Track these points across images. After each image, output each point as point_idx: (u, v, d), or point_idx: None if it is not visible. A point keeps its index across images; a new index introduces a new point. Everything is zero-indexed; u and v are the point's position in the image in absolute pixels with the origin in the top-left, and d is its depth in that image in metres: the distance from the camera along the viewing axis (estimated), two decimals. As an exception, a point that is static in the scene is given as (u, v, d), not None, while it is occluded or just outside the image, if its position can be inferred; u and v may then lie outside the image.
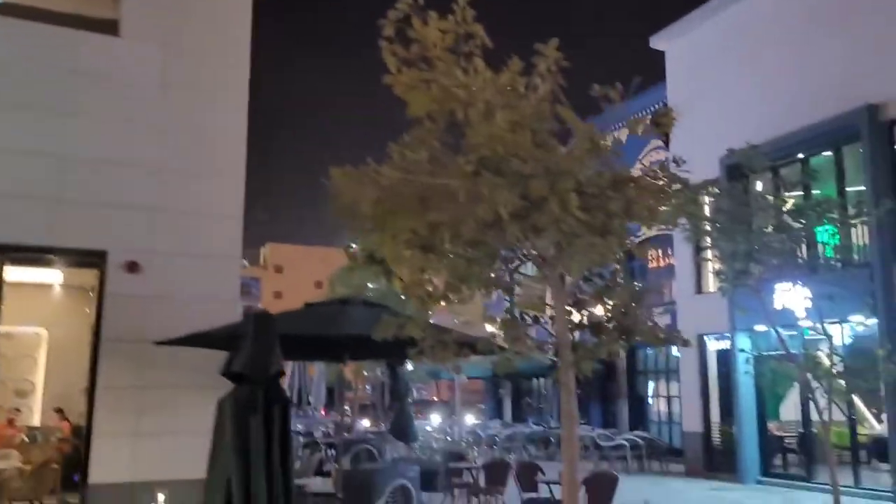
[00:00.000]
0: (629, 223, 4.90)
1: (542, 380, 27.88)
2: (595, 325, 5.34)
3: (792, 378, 12.28)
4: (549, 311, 5.51)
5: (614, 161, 4.71)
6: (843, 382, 11.13)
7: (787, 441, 16.55)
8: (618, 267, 5.48)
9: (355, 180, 4.10)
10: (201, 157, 8.86)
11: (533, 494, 10.06)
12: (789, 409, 16.46)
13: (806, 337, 15.68)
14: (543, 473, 10.46)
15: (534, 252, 4.51)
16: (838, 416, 15.28)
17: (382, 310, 7.18)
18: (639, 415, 22.48)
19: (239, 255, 8.99)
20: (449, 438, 19.57)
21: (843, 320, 14.68)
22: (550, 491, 9.82)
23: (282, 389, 4.85)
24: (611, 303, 5.55)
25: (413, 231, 4.05)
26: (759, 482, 16.08)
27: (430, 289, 4.34)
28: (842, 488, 14.55)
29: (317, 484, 8.68)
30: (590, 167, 4.29)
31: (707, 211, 13.24)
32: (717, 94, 18.04)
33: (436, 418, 24.81)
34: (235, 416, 4.67)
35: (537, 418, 26.66)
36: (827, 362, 11.62)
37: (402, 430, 12.78)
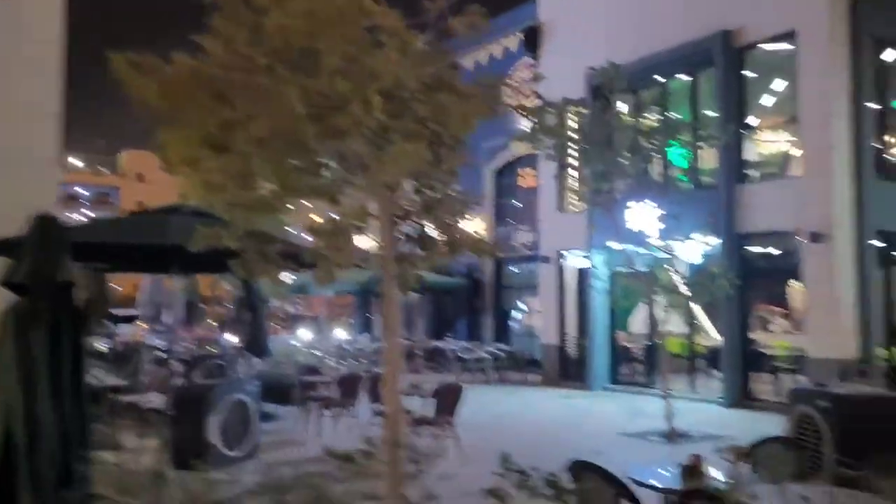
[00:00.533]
0: (458, 133, 4.76)
1: (411, 293, 28.05)
2: (420, 238, 5.21)
3: (639, 292, 12.88)
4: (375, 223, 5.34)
5: (444, 67, 4.50)
6: (683, 296, 11.82)
7: (634, 352, 17.60)
8: (445, 178, 5.33)
9: (139, 70, 3.66)
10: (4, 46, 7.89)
11: (382, 406, 10.14)
12: (639, 322, 17.43)
13: (655, 255, 16.49)
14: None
15: (346, 159, 4.26)
16: (682, 328, 16.49)
17: (210, 219, 6.76)
18: (503, 328, 23.21)
19: (56, 158, 8.20)
20: (315, 353, 19.51)
21: (688, 239, 15.45)
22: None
23: (74, 300, 4.43)
24: (439, 216, 5.41)
25: (206, 129, 3.69)
26: (606, 388, 17.09)
27: (229, 193, 4.01)
28: (679, 394, 15.77)
29: (151, 400, 8.36)
30: (407, 70, 4.05)
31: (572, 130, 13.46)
32: (584, 13, 18.04)
33: (305, 333, 24.64)
34: (17, 331, 4.25)
35: (406, 332, 27.00)
36: (669, 278, 12.26)
37: (256, 345, 12.53)
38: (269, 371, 12.46)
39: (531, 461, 4.35)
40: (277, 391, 11.97)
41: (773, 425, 11.26)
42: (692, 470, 4.23)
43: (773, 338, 16.68)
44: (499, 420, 12.82)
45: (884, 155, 14.25)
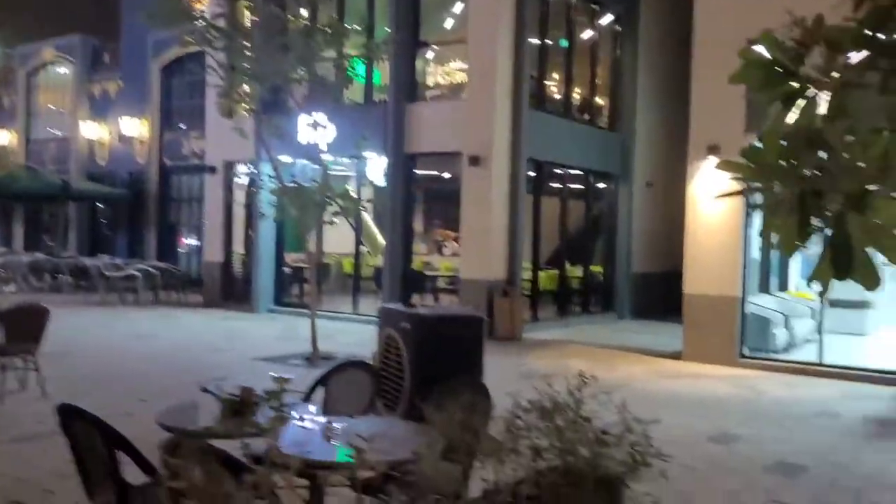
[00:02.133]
0: None
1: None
2: None
3: (308, 209, 12.05)
4: None
5: None
6: (350, 211, 11.15)
7: (302, 272, 16.93)
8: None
9: None
10: None
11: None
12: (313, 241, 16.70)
13: (326, 170, 15.74)
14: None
15: None
16: (356, 248, 16.14)
17: None
18: (168, 245, 21.11)
19: None
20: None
21: (359, 156, 14.94)
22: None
23: None
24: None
25: None
26: (271, 311, 16.24)
27: None
28: (342, 314, 15.50)
29: None
30: None
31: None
32: None
33: None
34: None
35: (58, 247, 23.47)
36: (342, 193, 11.56)
37: None
38: None
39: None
40: None
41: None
42: (238, 405, 3.41)
43: (442, 260, 17.12)
44: (124, 346, 11.33)
45: (541, 87, 14.93)
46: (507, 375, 9.18)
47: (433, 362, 4.61)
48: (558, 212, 15.53)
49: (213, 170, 17.08)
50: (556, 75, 15.81)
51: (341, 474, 3.16)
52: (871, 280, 3.14)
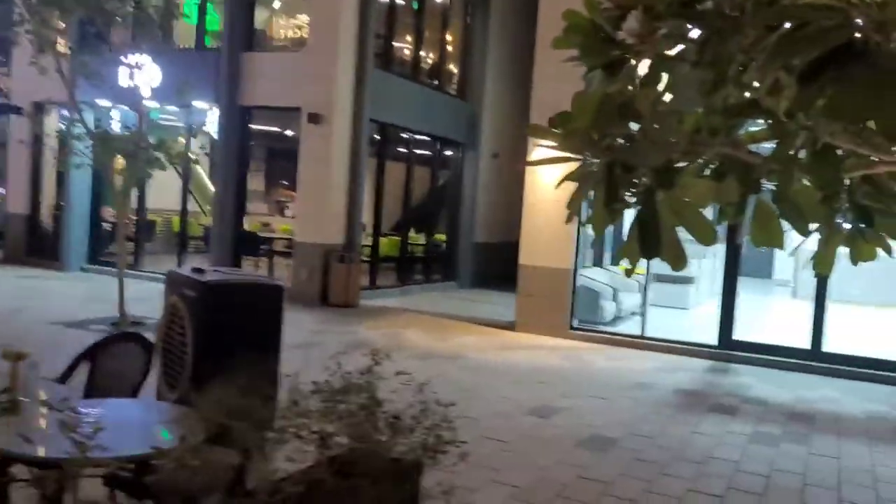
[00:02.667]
0: None
1: None
2: None
3: (114, 159, 10.85)
4: None
5: None
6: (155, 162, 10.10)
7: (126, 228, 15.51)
8: None
9: None
10: None
11: None
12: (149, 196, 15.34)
13: (151, 118, 14.43)
14: None
15: None
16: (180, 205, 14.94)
17: None
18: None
19: None
20: None
21: (188, 105, 13.78)
22: None
23: None
24: None
25: None
26: (84, 270, 14.79)
27: None
28: (162, 274, 14.36)
29: None
30: None
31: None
32: None
33: None
34: None
35: None
36: (171, 145, 10.50)
37: None
38: None
39: None
40: None
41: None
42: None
43: (282, 222, 16.27)
44: None
45: (388, 48, 14.38)
46: (332, 345, 8.72)
47: (220, 336, 4.03)
48: (403, 178, 15.15)
49: (18, 111, 15.17)
50: (405, 37, 15.30)
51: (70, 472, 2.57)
52: (678, 260, 2.90)
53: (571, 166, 2.93)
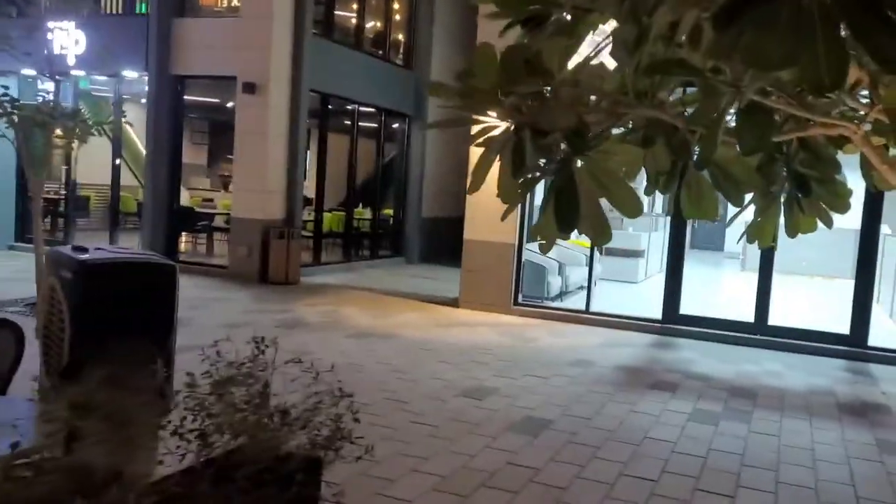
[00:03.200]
0: None
1: None
2: None
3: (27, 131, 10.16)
4: None
5: None
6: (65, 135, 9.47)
7: (57, 204, 14.79)
8: None
9: None
10: None
11: None
12: (84, 170, 14.58)
13: (85, 88, 13.71)
14: None
15: None
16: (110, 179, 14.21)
17: None
18: None
19: None
20: None
21: (118, 74, 13.11)
22: None
23: None
24: None
25: None
26: (12, 248, 14.07)
27: None
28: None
29: None
30: None
31: None
32: None
33: None
34: None
35: None
36: (57, 112, 9.82)
37: None
38: None
39: None
40: None
41: (188, 291, 10.11)
42: None
43: (224, 197, 15.65)
44: None
45: (329, 15, 13.80)
46: (263, 325, 8.31)
47: (99, 321, 3.60)
48: (348, 150, 14.65)
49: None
50: (348, 4, 14.71)
51: None
52: (600, 233, 2.55)
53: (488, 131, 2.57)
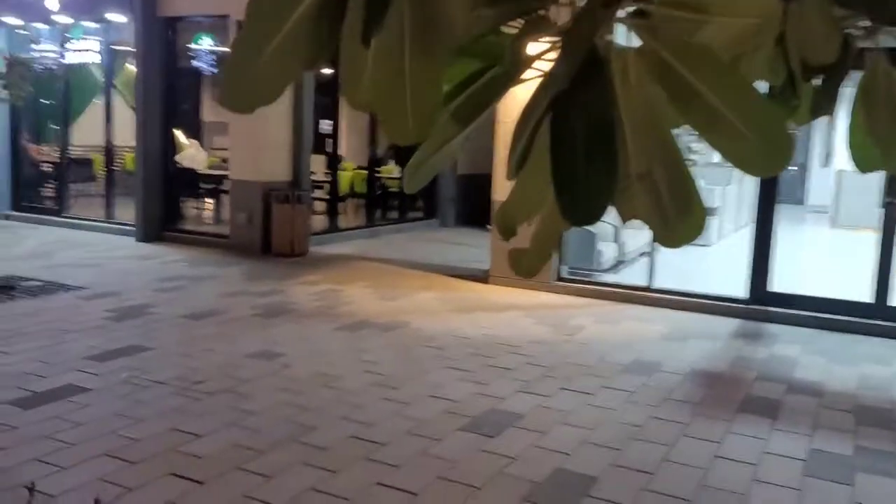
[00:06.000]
0: None
1: None
2: None
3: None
4: None
5: None
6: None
7: (56, 169, 13.39)
8: None
9: None
10: None
11: None
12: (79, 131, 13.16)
13: (72, 38, 12.24)
14: None
15: None
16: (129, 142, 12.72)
17: None
18: None
19: None
20: None
21: (101, 20, 11.50)
22: None
23: None
24: None
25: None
26: (7, 217, 12.80)
27: None
28: (91, 221, 12.31)
29: None
30: None
31: None
32: None
33: None
34: None
35: None
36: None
37: None
38: None
39: None
40: None
41: (171, 267, 8.56)
42: None
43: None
44: None
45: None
46: (239, 312, 6.63)
47: None
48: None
49: None
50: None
51: None
52: (684, 211, 1.15)
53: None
